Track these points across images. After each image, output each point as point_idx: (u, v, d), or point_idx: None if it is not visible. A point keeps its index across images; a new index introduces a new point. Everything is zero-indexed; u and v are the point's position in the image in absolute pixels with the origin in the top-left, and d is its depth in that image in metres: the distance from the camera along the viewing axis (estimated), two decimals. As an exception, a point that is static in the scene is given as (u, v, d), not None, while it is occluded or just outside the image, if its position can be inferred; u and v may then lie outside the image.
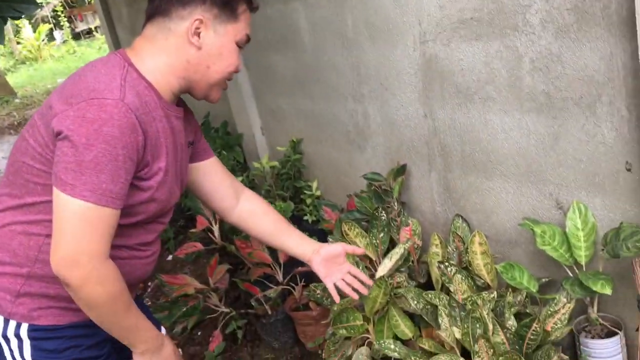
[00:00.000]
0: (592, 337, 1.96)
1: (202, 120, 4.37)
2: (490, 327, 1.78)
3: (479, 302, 1.84)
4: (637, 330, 1.84)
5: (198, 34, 1.40)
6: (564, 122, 1.90)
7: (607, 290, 1.75)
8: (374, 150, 2.90)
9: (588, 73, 1.78)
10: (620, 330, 1.92)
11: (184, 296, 2.64)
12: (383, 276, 2.05)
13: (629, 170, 1.77)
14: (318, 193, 3.37)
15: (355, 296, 1.79)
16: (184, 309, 2.58)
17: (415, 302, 2.06)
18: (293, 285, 2.74)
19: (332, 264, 1.77)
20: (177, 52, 1.41)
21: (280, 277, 2.63)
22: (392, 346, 1.96)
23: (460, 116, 2.30)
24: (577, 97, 1.83)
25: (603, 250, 1.82)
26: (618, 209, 1.85)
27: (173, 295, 2.58)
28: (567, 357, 1.71)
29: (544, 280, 2.08)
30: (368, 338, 2.13)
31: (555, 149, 1.97)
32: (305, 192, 3.40)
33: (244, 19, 1.46)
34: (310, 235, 1.88)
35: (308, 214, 3.29)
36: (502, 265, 2.01)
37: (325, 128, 3.24)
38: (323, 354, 2.13)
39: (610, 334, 1.94)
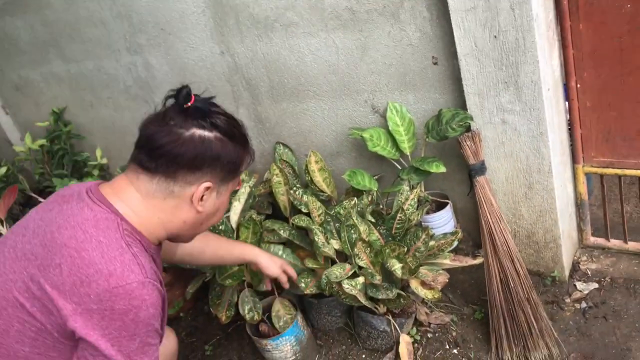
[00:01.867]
0: (427, 213, 2.28)
1: None
2: (365, 228, 1.96)
3: (350, 210, 1.99)
4: (468, 194, 2.21)
5: (202, 198, 1.27)
6: (371, 33, 2.08)
7: (443, 169, 2.05)
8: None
9: (388, -16, 1.96)
10: (449, 200, 2.28)
11: None
12: (251, 216, 2.06)
13: (435, 64, 2.05)
14: (104, 161, 3.10)
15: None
16: None
17: (282, 231, 2.13)
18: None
19: (272, 260, 1.88)
20: (174, 213, 1.27)
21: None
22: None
23: (262, 47, 2.32)
24: (381, 7, 2.01)
25: (427, 137, 2.10)
26: (429, 99, 2.14)
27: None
28: (432, 230, 1.99)
29: (374, 178, 2.31)
30: (244, 280, 2.15)
31: (365, 60, 2.16)
32: (90, 163, 3.10)
33: (242, 170, 1.35)
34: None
35: (102, 186, 3.02)
36: (347, 173, 2.18)
37: (95, 89, 2.95)
38: (211, 310, 2.09)
39: (440, 206, 2.29)
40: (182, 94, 1.22)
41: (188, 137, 1.20)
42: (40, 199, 3.00)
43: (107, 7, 2.58)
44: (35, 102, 3.25)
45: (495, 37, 1.81)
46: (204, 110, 1.23)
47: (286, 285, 1.92)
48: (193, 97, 1.23)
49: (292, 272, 1.93)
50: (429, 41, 2.01)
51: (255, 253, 1.84)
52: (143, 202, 1.25)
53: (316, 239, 1.98)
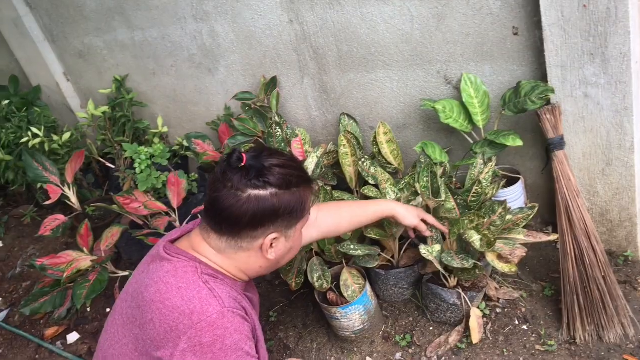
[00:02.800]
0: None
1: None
2: (443, 196, 1.94)
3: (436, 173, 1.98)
4: (543, 170, 2.16)
5: (272, 246, 1.36)
6: (449, 1, 2.03)
7: (519, 142, 2.01)
8: (228, 69, 2.76)
9: (472, -50, 1.91)
10: (520, 176, 2.24)
11: (76, 273, 2.32)
12: (322, 186, 2.06)
13: (515, 34, 1.99)
14: (165, 129, 3.13)
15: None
16: (87, 285, 2.28)
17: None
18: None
19: (409, 211, 1.89)
20: (249, 262, 1.38)
21: (178, 222, 2.45)
22: (352, 246, 2.02)
23: (333, 15, 2.30)
24: (462, -25, 1.96)
25: (504, 110, 2.05)
26: (506, 71, 2.09)
27: (64, 276, 2.25)
28: (510, 204, 1.96)
29: (445, 151, 2.28)
30: (312, 249, 2.16)
31: (441, 29, 2.11)
32: (151, 131, 3.13)
33: (310, 204, 1.42)
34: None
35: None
36: (419, 145, 2.15)
37: (158, 57, 2.96)
38: (282, 276, 2.11)
39: (511, 182, 2.25)
40: (232, 158, 1.29)
41: (245, 199, 1.27)
42: (107, 164, 3.06)
43: (175, -26, 2.59)
44: (98, 70, 3.29)
45: (585, 6, 1.75)
46: (257, 168, 1.28)
47: (427, 233, 1.92)
48: (244, 156, 1.29)
49: (433, 221, 1.93)
50: (510, 10, 1.95)
51: (391, 207, 1.86)
52: (218, 256, 1.36)
53: (387, 198, 1.97)
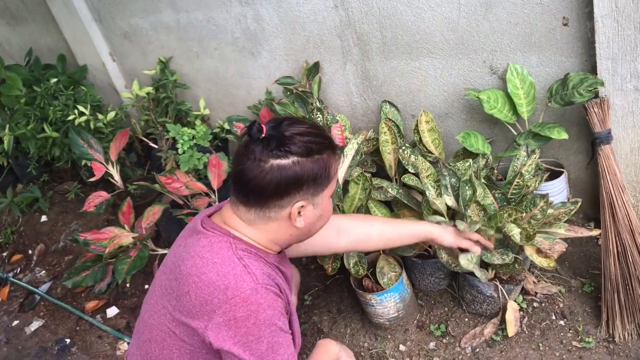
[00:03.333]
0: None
1: (24, 60, 3.74)
2: (480, 191, 1.92)
3: (465, 171, 1.96)
4: (588, 164, 2.12)
5: (299, 214, 1.36)
6: (498, -11, 2.00)
7: (565, 135, 1.97)
8: (271, 54, 2.77)
9: (524, -63, 1.87)
10: (564, 170, 2.20)
11: (118, 249, 2.39)
12: (362, 172, 2.06)
13: (565, 25, 1.95)
14: (207, 112, 3.17)
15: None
16: (128, 261, 2.34)
17: (391, 189, 2.12)
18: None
19: (448, 231, 1.81)
20: (279, 231, 1.39)
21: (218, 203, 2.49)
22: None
23: (378, 1, 2.28)
24: (513, -37, 1.93)
25: (550, 102, 2.02)
26: (554, 62, 2.04)
27: (106, 251, 2.32)
28: (552, 198, 1.93)
29: (488, 142, 2.25)
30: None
31: (488, 17, 2.08)
32: (193, 113, 3.18)
33: (335, 170, 1.40)
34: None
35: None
36: (461, 135, 2.13)
37: (202, 40, 2.99)
38: (318, 261, 2.13)
39: (553, 175, 2.21)
40: (253, 130, 1.29)
41: (268, 169, 1.28)
42: (151, 144, 3.12)
43: (222, -43, 2.60)
44: (142, 51, 3.34)
45: (641, -3, 1.70)
46: (278, 137, 1.28)
47: (475, 249, 1.79)
48: (264, 127, 1.30)
49: (477, 237, 1.81)
50: (561, 0, 1.91)
51: (427, 229, 1.78)
52: (249, 228, 1.38)
53: (427, 194, 1.96)
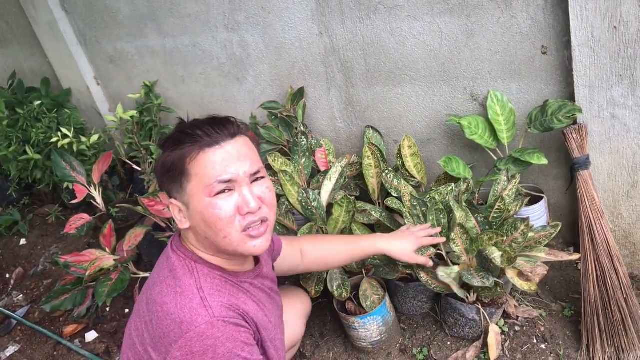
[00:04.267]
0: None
1: (7, 83, 3.74)
2: (462, 214, 1.94)
3: (447, 195, 1.99)
4: (567, 189, 2.16)
5: (181, 215, 1.34)
6: (479, 18, 2.06)
7: (544, 161, 2.01)
8: (256, 79, 2.81)
9: (504, -31, 1.93)
10: (544, 195, 2.23)
11: (98, 272, 2.36)
12: (345, 195, 2.07)
13: (544, 53, 2.01)
14: (190, 136, 3.17)
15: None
16: (109, 284, 2.31)
17: (374, 212, 2.14)
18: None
19: (402, 245, 1.83)
20: (190, 236, 1.38)
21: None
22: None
23: (362, 29, 2.33)
24: (493, -7, 1.99)
25: (529, 128, 2.06)
26: (533, 89, 2.10)
27: (87, 274, 2.29)
28: (532, 223, 1.96)
29: (469, 167, 2.29)
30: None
31: (470, 46, 2.13)
32: (177, 137, 3.18)
33: (201, 168, 1.27)
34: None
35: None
36: (443, 160, 2.16)
37: (188, 65, 3.02)
38: (301, 284, 2.12)
39: (533, 200, 2.24)
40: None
41: None
42: (134, 166, 3.11)
43: (209, -16, 2.64)
44: (128, 75, 3.35)
45: (615, 27, 1.76)
46: (160, 142, 1.36)
47: (429, 264, 1.85)
48: None
49: (429, 242, 1.87)
50: (540, 30, 1.97)
51: (382, 245, 1.81)
52: (199, 244, 1.37)
53: (406, 221, 1.98)
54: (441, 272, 1.86)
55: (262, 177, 1.35)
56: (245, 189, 1.29)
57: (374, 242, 1.83)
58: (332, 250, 1.85)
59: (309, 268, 1.87)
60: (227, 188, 1.28)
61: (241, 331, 1.27)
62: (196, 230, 1.32)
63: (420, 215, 2.02)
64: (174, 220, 2.49)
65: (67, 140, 3.02)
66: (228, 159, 1.27)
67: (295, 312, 1.93)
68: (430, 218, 1.97)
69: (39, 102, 3.33)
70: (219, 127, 1.29)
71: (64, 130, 3.05)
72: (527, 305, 2.15)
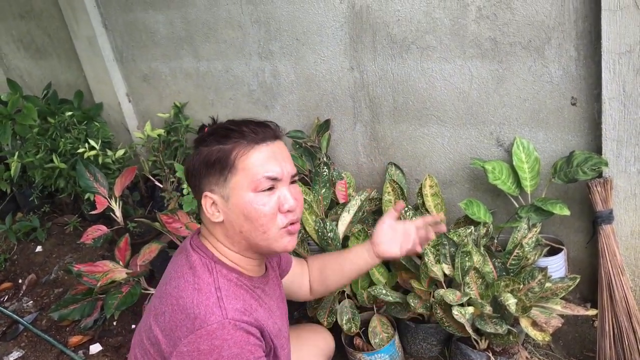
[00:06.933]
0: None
1: (42, 93, 3.83)
2: (479, 258, 1.92)
3: (465, 237, 1.97)
4: (588, 242, 2.13)
5: (214, 205, 1.35)
6: (510, 65, 2.07)
7: (566, 212, 1.99)
8: (284, 108, 2.84)
9: (539, 19, 1.95)
10: (563, 247, 2.20)
11: (110, 284, 2.37)
12: (363, 228, 2.07)
13: (573, 104, 2.01)
14: (214, 158, 3.20)
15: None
16: (120, 296, 2.31)
17: (390, 249, 2.12)
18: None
19: (393, 240, 1.67)
20: (217, 231, 1.39)
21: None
22: (384, 291, 2.01)
23: (393, 67, 2.36)
24: (526, 41, 2.00)
25: (554, 177, 2.05)
26: (560, 140, 2.09)
27: (98, 284, 2.30)
28: (550, 273, 1.93)
29: (490, 212, 2.27)
30: (344, 291, 2.15)
31: (499, 91, 2.14)
32: (201, 158, 3.21)
33: (246, 161, 1.31)
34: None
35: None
36: (464, 202, 2.15)
37: (219, 89, 3.07)
38: (307, 312, 2.10)
39: (553, 251, 2.21)
40: (201, 131, 1.40)
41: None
42: (156, 182, 3.14)
43: (247, 12, 2.71)
44: (159, 94, 3.42)
45: (647, 83, 1.76)
46: (200, 138, 1.38)
47: (418, 249, 1.66)
48: (206, 128, 1.39)
49: (421, 222, 1.68)
50: (570, 80, 1.97)
51: (368, 258, 1.70)
52: (220, 244, 1.38)
53: (426, 259, 1.96)
54: (456, 311, 1.83)
55: (296, 181, 1.42)
56: (285, 189, 1.35)
57: (367, 255, 1.69)
58: (328, 270, 1.79)
59: (317, 293, 1.82)
60: (272, 185, 1.33)
61: (250, 339, 1.26)
62: (230, 224, 1.34)
63: (447, 255, 2.00)
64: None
65: (93, 152, 3.07)
66: (274, 157, 1.33)
67: (315, 350, 1.88)
68: (457, 260, 1.94)
69: (70, 114, 3.40)
70: (264, 127, 1.36)
71: (92, 142, 3.10)
72: (539, 358, 2.09)
